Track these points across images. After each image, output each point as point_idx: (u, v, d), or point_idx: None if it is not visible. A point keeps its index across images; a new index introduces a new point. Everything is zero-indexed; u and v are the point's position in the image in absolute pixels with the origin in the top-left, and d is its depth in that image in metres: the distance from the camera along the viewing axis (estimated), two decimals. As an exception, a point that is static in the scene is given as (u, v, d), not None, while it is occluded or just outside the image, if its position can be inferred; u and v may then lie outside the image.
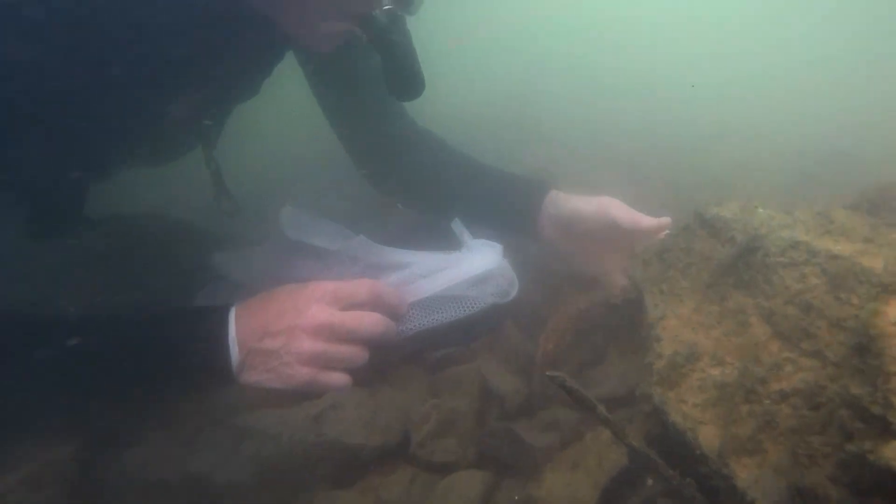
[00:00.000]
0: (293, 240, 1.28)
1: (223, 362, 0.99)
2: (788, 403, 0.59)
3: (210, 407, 1.00)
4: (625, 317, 1.01)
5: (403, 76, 1.07)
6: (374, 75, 1.14)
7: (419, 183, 1.55)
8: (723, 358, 0.70)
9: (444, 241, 1.24)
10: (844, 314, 0.59)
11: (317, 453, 0.88)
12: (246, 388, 1.01)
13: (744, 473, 0.57)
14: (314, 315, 1.00)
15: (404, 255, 1.16)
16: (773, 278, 0.69)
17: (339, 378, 1.01)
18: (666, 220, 1.10)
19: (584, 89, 3.69)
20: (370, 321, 1.02)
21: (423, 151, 1.55)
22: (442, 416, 0.90)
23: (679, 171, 2.21)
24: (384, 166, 1.62)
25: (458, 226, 1.19)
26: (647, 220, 1.14)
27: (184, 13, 0.95)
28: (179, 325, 1.03)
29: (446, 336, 1.13)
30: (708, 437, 0.63)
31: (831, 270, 0.63)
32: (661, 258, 0.90)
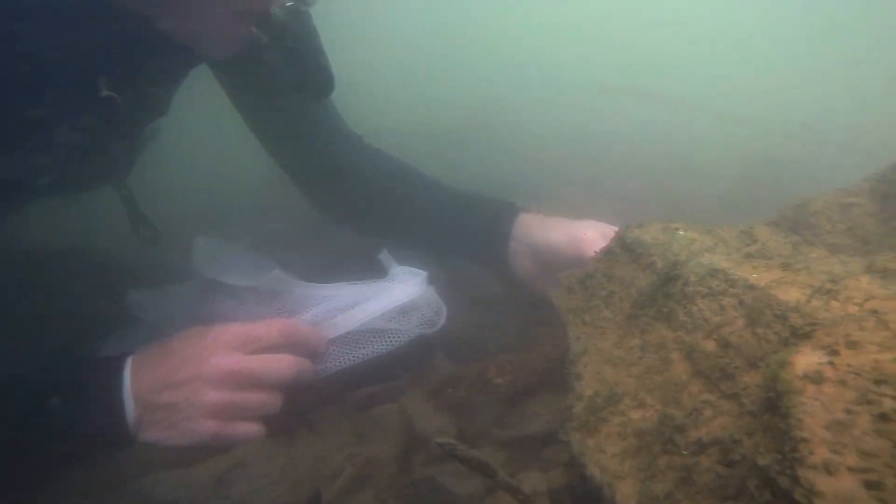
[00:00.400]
0: (207, 275, 1.19)
1: (118, 420, 0.90)
2: (707, 455, 0.53)
3: (107, 471, 0.91)
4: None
5: (310, 75, 0.99)
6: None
7: (368, 206, 1.42)
8: (644, 399, 0.64)
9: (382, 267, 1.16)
10: (761, 352, 0.54)
11: (219, 520, 0.79)
12: (148, 447, 0.92)
13: (659, 540, 0.51)
14: (218, 363, 0.91)
15: (323, 289, 1.08)
16: (692, 310, 0.64)
17: (249, 428, 0.92)
18: None
19: (545, 98, 3.66)
20: (280, 365, 0.94)
21: (370, 170, 1.42)
22: (357, 468, 0.83)
23: (634, 180, 2.19)
24: (325, 188, 1.50)
25: (385, 256, 1.11)
26: None
27: (55, 28, 0.86)
28: (68, 380, 0.93)
29: (371, 373, 1.06)
30: (625, 493, 0.57)
31: (748, 302, 0.58)
32: (584, 285, 0.84)
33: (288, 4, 0.88)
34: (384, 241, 1.40)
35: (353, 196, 1.43)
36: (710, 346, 0.60)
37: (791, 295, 0.54)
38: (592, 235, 1.11)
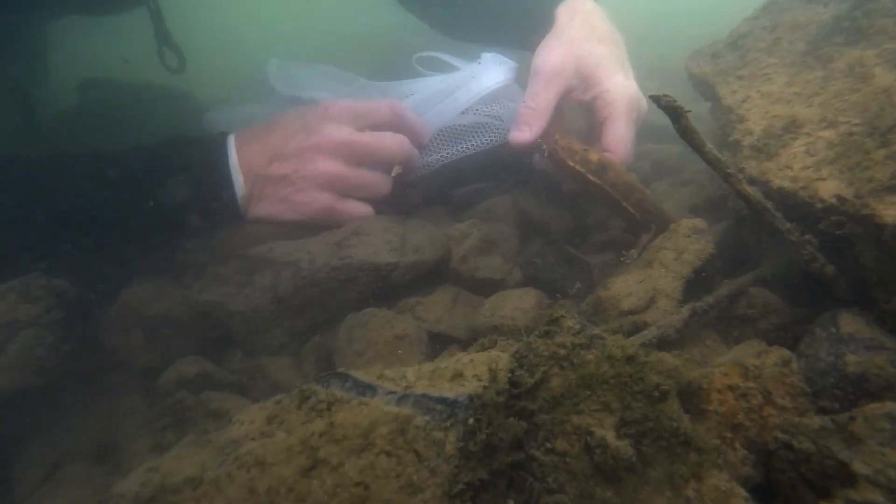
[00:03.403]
0: (286, 94, 1.15)
1: (226, 192, 0.86)
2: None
3: (215, 244, 0.89)
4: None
5: None
6: None
7: None
8: (835, 119, 0.59)
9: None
10: None
11: (342, 276, 0.77)
12: (255, 225, 0.90)
13: (890, 210, 0.47)
14: (330, 133, 0.86)
15: (410, 84, 1.02)
16: (904, 16, 0.57)
17: (360, 206, 0.89)
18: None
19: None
20: (393, 141, 0.89)
21: None
22: (483, 234, 0.79)
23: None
24: None
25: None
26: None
27: None
28: (168, 155, 0.89)
29: (474, 172, 1.01)
30: (830, 189, 0.53)
31: None
32: (735, 47, 0.77)
33: None
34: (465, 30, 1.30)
35: None
36: (929, 45, 0.54)
37: None
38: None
